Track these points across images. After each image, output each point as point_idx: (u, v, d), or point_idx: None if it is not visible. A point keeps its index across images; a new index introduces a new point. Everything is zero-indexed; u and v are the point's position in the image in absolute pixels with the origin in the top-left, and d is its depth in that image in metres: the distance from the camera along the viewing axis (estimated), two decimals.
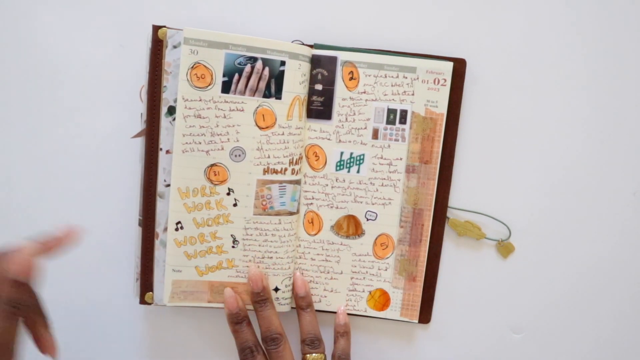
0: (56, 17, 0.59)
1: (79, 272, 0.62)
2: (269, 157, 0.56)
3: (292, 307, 0.60)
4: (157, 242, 0.57)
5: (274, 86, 0.55)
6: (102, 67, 0.59)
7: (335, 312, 0.60)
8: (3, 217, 0.61)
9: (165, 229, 0.57)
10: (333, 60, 0.57)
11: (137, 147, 0.58)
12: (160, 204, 0.57)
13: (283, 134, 0.56)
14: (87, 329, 0.63)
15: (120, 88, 0.59)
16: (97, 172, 0.60)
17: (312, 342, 0.57)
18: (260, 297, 0.56)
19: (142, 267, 0.58)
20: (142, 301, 0.59)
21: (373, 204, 0.59)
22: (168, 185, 0.57)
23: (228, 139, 0.55)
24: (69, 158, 0.60)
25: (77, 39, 0.59)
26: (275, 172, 0.56)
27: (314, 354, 0.57)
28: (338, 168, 0.58)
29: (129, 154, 0.59)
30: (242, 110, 0.55)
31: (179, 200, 0.56)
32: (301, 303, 0.59)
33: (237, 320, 0.56)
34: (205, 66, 0.54)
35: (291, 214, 0.58)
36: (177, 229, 0.56)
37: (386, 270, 0.60)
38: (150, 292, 0.58)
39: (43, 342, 0.48)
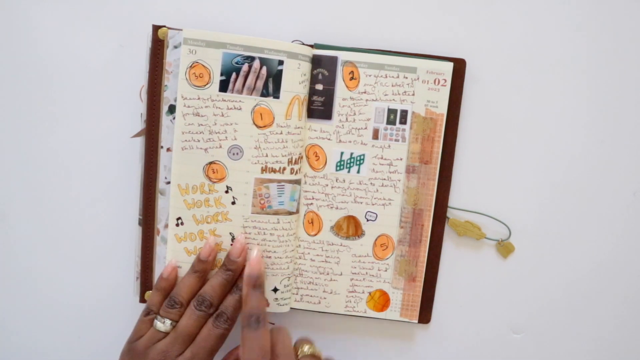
0: (55, 17, 0.59)
1: (79, 272, 0.62)
2: (267, 155, 0.56)
3: (291, 308, 0.60)
4: (157, 239, 0.58)
5: (272, 85, 0.55)
6: (102, 67, 0.59)
7: (334, 314, 0.60)
8: (3, 217, 0.61)
9: (166, 226, 0.57)
10: (333, 60, 0.57)
11: (137, 146, 0.58)
12: (161, 201, 0.57)
13: (281, 133, 0.56)
14: (87, 328, 0.63)
15: (120, 88, 0.59)
16: (97, 172, 0.61)
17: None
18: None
19: (142, 265, 0.58)
20: (142, 300, 0.59)
21: (373, 205, 0.59)
22: (169, 183, 0.57)
23: (226, 137, 0.55)
24: (68, 158, 0.61)
25: (77, 39, 0.59)
26: (274, 171, 0.56)
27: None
28: (338, 168, 0.58)
29: (128, 153, 0.60)
30: (240, 108, 0.55)
31: (179, 196, 0.56)
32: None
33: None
34: (203, 65, 0.54)
35: (290, 213, 0.58)
36: (177, 225, 0.57)
37: (386, 270, 0.60)
38: (150, 291, 0.58)
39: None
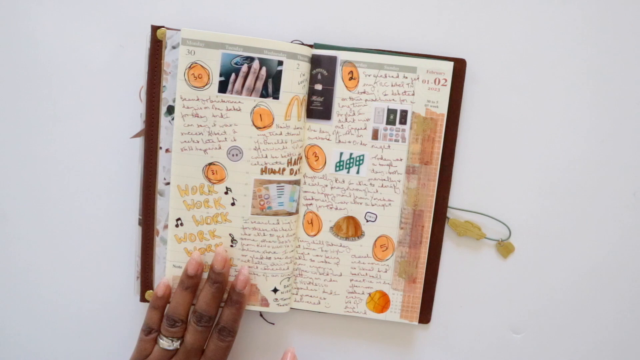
0: (56, 17, 0.59)
1: (79, 272, 0.62)
2: (266, 157, 0.56)
3: (291, 308, 0.60)
4: (157, 239, 0.58)
5: (272, 86, 0.55)
6: (101, 67, 0.59)
7: (334, 314, 0.60)
8: (3, 217, 0.61)
9: (166, 226, 0.57)
10: (333, 60, 0.57)
11: (137, 147, 0.58)
12: (160, 202, 0.57)
13: (281, 134, 0.55)
14: (88, 327, 0.63)
15: (120, 88, 0.59)
16: (97, 172, 0.61)
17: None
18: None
19: (142, 265, 0.58)
20: (143, 299, 0.59)
21: (373, 205, 0.59)
22: (168, 184, 0.57)
23: (225, 138, 0.55)
24: (68, 158, 0.61)
25: (77, 39, 0.59)
26: (273, 172, 0.56)
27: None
28: (337, 169, 0.58)
29: (128, 154, 0.60)
30: (239, 110, 0.55)
31: (179, 197, 0.56)
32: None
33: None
34: (202, 66, 0.54)
35: (290, 214, 0.58)
36: (177, 225, 0.57)
37: (386, 272, 0.60)
38: (151, 290, 0.59)
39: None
